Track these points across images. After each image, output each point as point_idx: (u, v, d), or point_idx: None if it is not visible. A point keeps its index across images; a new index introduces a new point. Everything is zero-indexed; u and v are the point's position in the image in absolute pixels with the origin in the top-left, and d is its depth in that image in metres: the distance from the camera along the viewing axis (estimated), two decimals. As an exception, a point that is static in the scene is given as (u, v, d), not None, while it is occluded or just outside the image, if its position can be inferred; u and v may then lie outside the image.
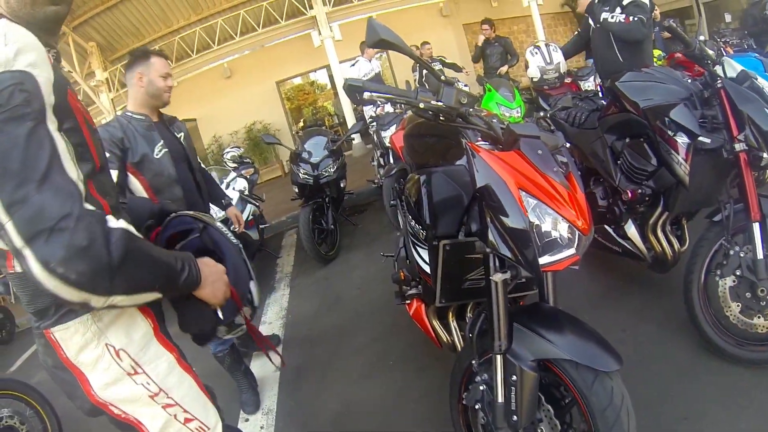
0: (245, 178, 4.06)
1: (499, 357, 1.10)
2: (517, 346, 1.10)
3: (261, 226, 4.09)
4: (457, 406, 1.39)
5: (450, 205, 1.29)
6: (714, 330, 1.72)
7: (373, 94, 1.11)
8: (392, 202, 2.87)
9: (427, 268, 1.40)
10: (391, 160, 4.09)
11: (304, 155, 3.85)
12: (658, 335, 1.95)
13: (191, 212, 1.11)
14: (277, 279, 3.88)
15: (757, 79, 1.61)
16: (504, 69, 6.10)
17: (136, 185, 1.88)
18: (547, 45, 3.32)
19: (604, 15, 2.39)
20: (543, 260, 0.99)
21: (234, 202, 3.61)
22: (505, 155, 1.09)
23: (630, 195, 1.97)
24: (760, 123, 1.58)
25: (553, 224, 1.01)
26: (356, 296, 3.11)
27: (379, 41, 1.02)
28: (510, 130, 1.10)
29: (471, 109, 1.13)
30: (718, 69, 1.70)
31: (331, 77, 8.87)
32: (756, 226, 1.62)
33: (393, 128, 4.08)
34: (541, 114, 1.50)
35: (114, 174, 1.60)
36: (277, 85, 9.55)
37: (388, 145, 4.13)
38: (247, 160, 4.53)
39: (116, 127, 1.85)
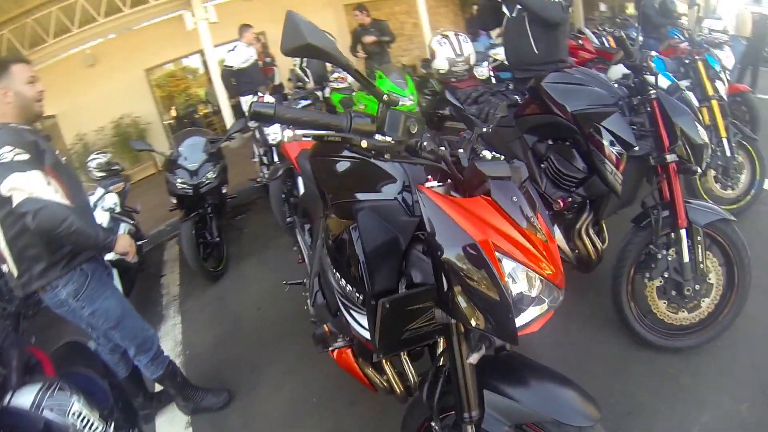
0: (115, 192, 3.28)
1: (470, 427, 0.97)
2: (490, 413, 0.96)
3: (138, 243, 3.36)
4: None
5: (386, 252, 1.04)
6: (642, 326, 1.83)
7: (297, 130, 0.83)
8: (288, 219, 2.59)
9: (366, 334, 1.12)
10: (276, 159, 3.71)
11: (181, 161, 3.21)
12: (589, 334, 2.00)
13: None
14: (164, 304, 3.31)
15: (684, 90, 1.63)
16: (369, 39, 5.76)
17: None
18: (456, 35, 3.12)
19: None
20: (518, 322, 0.84)
21: (105, 224, 2.92)
22: (471, 204, 0.85)
23: (561, 204, 1.90)
24: (693, 137, 1.64)
25: (530, 284, 0.85)
26: (257, 318, 2.75)
27: (305, 47, 0.71)
28: (476, 170, 0.85)
29: (421, 141, 0.87)
30: (651, 78, 1.70)
31: (204, 63, 7.81)
32: (683, 232, 1.69)
33: (278, 126, 3.62)
34: (483, 130, 1.27)
35: (37, 175, 1.48)
36: (147, 73, 8.19)
37: (272, 142, 3.68)
38: (116, 167, 3.67)
39: (18, 131, 1.59)
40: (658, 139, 1.70)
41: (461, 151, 1.00)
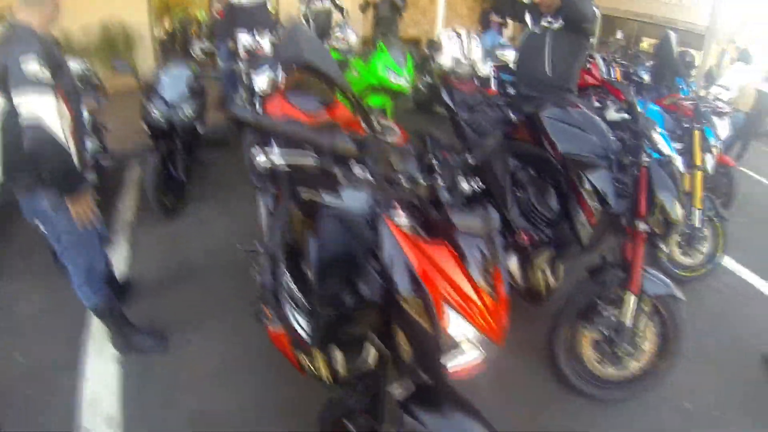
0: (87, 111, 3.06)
1: None
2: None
3: (102, 163, 3.21)
4: None
5: (340, 261, 1.04)
6: (571, 370, 1.89)
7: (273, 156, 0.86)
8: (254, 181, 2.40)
9: (303, 333, 1.11)
10: (258, 107, 3.52)
11: (160, 89, 3.01)
12: (516, 366, 2.03)
13: None
14: (115, 230, 3.15)
15: (675, 165, 1.65)
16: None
17: None
18: (468, 35, 2.99)
19: None
20: (448, 364, 0.89)
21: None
22: (431, 249, 0.86)
23: (526, 239, 1.91)
24: (670, 214, 1.67)
25: (466, 335, 0.87)
26: (207, 267, 2.68)
27: (302, 65, 0.74)
28: (450, 221, 0.84)
29: (400, 177, 0.87)
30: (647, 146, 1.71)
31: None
32: (633, 298, 1.73)
33: (265, 75, 3.43)
34: (470, 162, 1.23)
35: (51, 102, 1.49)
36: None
37: (257, 91, 3.48)
38: (93, 78, 3.41)
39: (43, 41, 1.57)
40: (636, 205, 1.71)
41: (440, 181, 0.97)
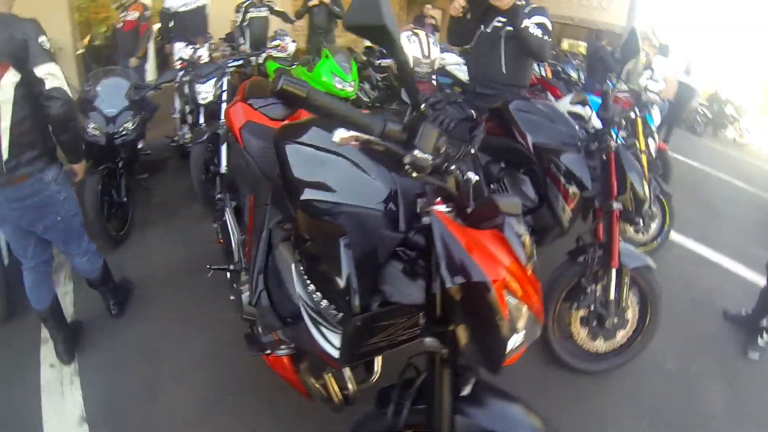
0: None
1: None
2: None
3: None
4: None
5: (364, 266, 0.95)
6: (562, 349, 1.96)
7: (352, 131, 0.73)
8: (218, 195, 2.23)
9: (333, 351, 1.01)
10: (202, 120, 3.30)
11: (98, 103, 2.73)
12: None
13: None
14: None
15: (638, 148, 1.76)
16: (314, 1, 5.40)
17: None
18: (427, 35, 3.05)
19: (526, 22, 2.22)
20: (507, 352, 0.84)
21: None
22: (485, 238, 0.81)
23: None
24: (639, 192, 1.79)
25: (522, 320, 0.83)
26: (162, 296, 2.39)
27: (378, 28, 0.65)
28: (492, 203, 0.79)
29: (450, 163, 0.81)
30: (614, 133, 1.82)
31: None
32: (614, 272, 1.82)
33: (212, 83, 3.24)
34: (471, 151, 1.23)
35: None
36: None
37: (201, 102, 3.26)
38: None
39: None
40: (607, 186, 1.81)
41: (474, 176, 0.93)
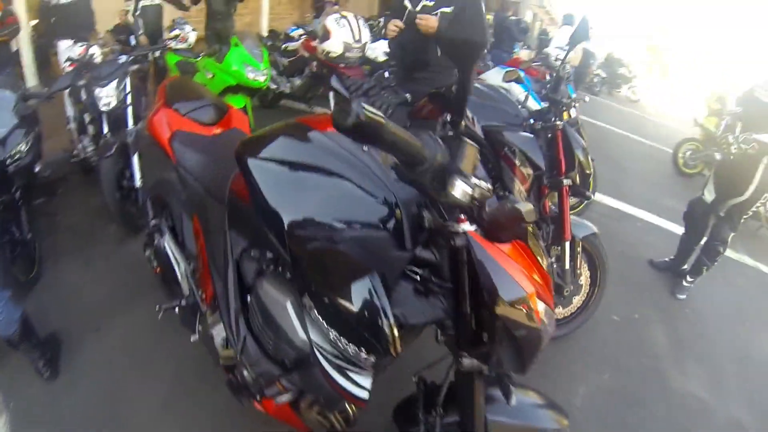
0: None
1: None
2: None
3: None
4: None
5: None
6: None
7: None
8: (152, 221, 1.87)
9: (362, 393, 0.94)
10: (106, 130, 2.78)
11: (-24, 124, 2.26)
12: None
13: None
14: None
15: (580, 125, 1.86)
16: None
17: None
18: (356, 17, 2.88)
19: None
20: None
21: None
22: (511, 251, 0.82)
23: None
24: (586, 167, 1.92)
25: (552, 322, 0.88)
26: (98, 344, 1.97)
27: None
28: (517, 214, 0.73)
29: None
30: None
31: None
32: (567, 244, 1.93)
33: (113, 86, 2.79)
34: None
35: None
36: None
37: (103, 108, 2.79)
38: None
39: None
40: (556, 164, 1.89)
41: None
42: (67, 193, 3.36)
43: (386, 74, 2.79)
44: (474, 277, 0.79)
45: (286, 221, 0.85)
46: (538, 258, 0.85)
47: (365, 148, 0.90)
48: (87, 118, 3.11)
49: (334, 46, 2.83)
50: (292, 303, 0.93)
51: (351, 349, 0.87)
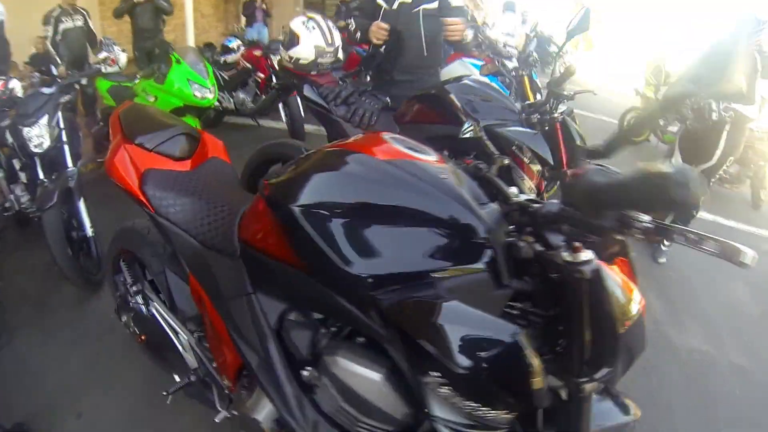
0: None
1: None
2: None
3: None
4: None
5: None
6: None
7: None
8: (133, 286, 1.55)
9: None
10: (41, 175, 2.44)
11: None
12: None
13: None
14: None
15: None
16: None
17: None
18: (325, 19, 2.63)
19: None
20: None
21: None
22: (622, 266, 0.84)
23: None
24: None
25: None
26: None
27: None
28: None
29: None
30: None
31: None
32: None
33: (44, 123, 2.42)
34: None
35: None
36: None
37: (35, 150, 2.43)
38: None
39: None
40: (556, 156, 1.85)
41: None
42: (3, 254, 2.90)
43: (368, 78, 2.61)
44: (596, 302, 0.71)
45: (370, 285, 0.72)
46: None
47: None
48: (17, 164, 2.67)
49: (304, 53, 2.57)
50: (386, 376, 0.80)
51: (491, 414, 0.74)
